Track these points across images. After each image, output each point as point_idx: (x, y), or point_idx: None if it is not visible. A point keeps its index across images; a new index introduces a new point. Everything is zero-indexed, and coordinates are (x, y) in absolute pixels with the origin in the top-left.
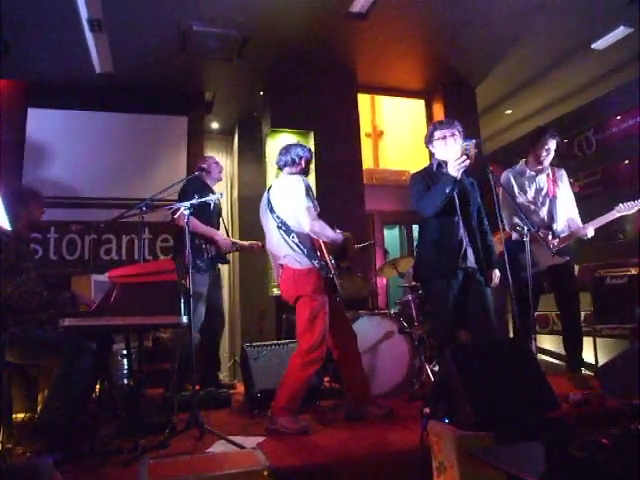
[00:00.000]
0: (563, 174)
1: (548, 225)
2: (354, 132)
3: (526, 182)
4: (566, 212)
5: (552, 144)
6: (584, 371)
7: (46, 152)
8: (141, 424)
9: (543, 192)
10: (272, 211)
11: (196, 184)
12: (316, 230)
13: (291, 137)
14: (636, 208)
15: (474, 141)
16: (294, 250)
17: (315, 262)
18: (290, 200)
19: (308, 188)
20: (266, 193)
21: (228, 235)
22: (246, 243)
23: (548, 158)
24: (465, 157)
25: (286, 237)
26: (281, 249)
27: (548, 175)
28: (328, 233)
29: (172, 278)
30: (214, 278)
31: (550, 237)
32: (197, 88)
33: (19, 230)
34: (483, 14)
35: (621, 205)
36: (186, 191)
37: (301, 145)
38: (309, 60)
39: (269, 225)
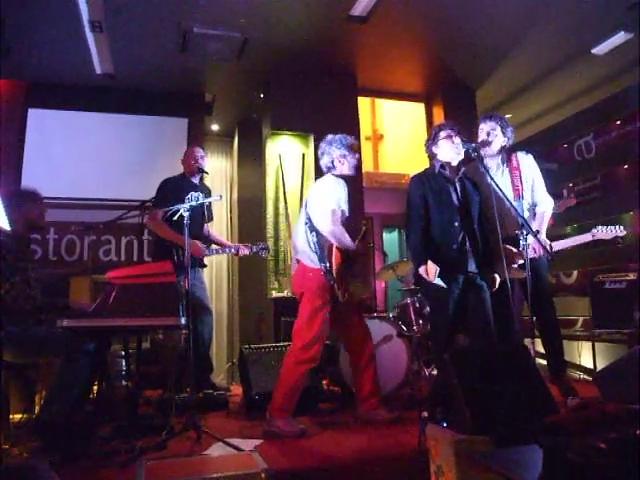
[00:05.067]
0: (528, 159)
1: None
2: (354, 135)
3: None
4: (535, 202)
5: (485, 126)
6: (576, 374)
7: (46, 152)
8: (138, 426)
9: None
10: (305, 206)
11: (167, 187)
12: (336, 235)
13: (291, 139)
14: (613, 234)
15: (474, 145)
16: (310, 248)
17: (322, 265)
18: (319, 199)
19: (341, 191)
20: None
21: (208, 235)
22: (231, 244)
23: (489, 146)
24: None
25: (308, 234)
26: (300, 244)
27: (512, 169)
28: (345, 241)
29: (171, 280)
30: (193, 279)
31: (514, 249)
32: (197, 90)
33: (17, 231)
34: (484, 18)
35: (598, 228)
36: (157, 196)
37: (336, 141)
38: (309, 63)
39: (300, 218)
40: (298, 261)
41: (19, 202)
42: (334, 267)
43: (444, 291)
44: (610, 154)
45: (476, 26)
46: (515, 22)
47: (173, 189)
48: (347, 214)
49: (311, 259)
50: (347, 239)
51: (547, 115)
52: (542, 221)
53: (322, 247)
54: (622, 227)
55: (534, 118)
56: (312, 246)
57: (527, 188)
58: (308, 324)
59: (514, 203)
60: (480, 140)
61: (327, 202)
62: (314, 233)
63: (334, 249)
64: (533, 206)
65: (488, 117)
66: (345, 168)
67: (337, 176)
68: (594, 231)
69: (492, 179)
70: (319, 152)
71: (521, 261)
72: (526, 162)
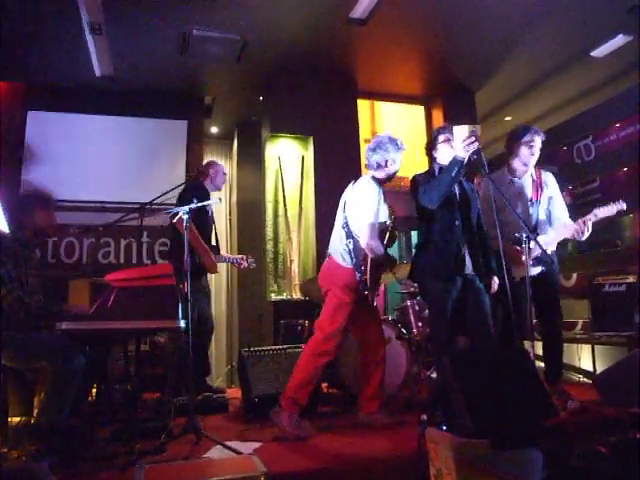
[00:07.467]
0: (550, 177)
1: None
2: (353, 138)
3: (503, 189)
4: (555, 217)
5: (537, 142)
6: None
7: (45, 155)
8: (138, 428)
9: (522, 197)
10: (344, 209)
11: (197, 190)
12: (373, 249)
13: (290, 142)
14: (615, 209)
15: (479, 126)
16: (344, 249)
17: (358, 275)
18: (358, 208)
19: (379, 200)
20: (349, 187)
21: (217, 242)
22: (235, 257)
23: (533, 158)
24: (474, 138)
25: (344, 238)
26: (335, 243)
27: (533, 179)
28: (379, 252)
29: (170, 282)
30: (200, 287)
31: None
32: (197, 92)
33: (23, 236)
34: (483, 21)
35: (600, 209)
36: (186, 196)
37: (385, 142)
38: (309, 65)
39: (337, 219)
40: (329, 255)
41: (31, 206)
42: (368, 276)
43: (442, 291)
44: (609, 157)
45: (476, 29)
46: (514, 25)
47: (200, 194)
48: (387, 224)
49: (343, 257)
50: (381, 250)
51: (546, 117)
52: (559, 234)
53: (358, 255)
54: (622, 202)
55: (533, 121)
56: (347, 250)
57: (544, 197)
58: (332, 317)
59: (530, 208)
60: (533, 152)
61: (366, 214)
62: (350, 240)
63: (369, 259)
64: (549, 216)
65: (541, 131)
66: (395, 167)
67: (376, 179)
68: (596, 211)
69: (497, 189)
70: (367, 149)
71: (534, 255)
72: (547, 178)
